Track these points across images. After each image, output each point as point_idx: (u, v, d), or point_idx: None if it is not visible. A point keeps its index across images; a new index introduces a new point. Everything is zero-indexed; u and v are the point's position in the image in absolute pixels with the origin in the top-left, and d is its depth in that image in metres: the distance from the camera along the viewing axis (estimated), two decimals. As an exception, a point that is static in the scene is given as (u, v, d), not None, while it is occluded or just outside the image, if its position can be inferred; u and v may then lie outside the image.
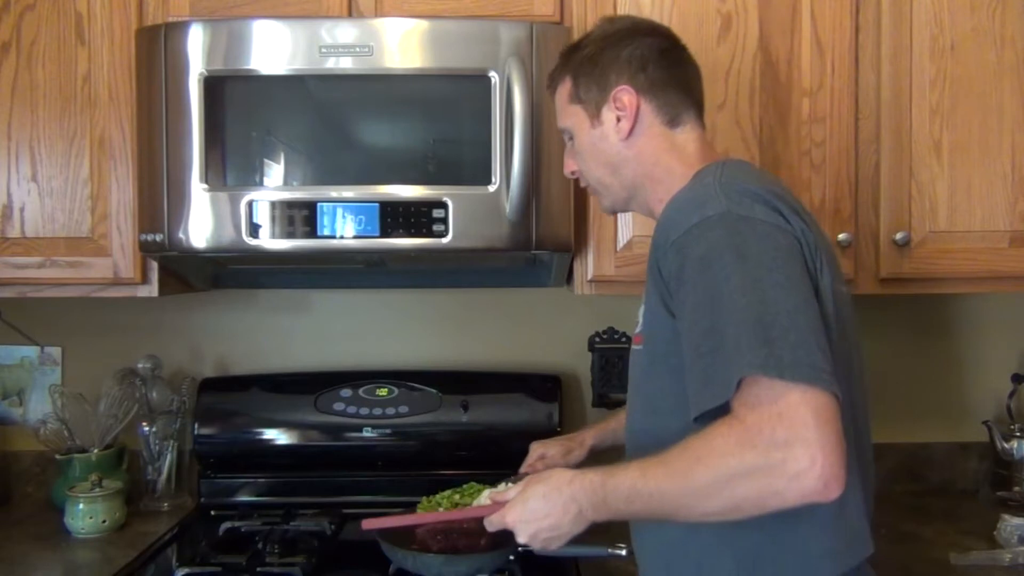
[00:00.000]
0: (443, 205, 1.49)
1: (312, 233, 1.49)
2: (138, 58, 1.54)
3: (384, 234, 1.49)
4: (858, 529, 1.06)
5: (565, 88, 1.22)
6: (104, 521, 1.70)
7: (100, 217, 1.61)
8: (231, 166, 1.51)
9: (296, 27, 1.49)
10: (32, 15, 1.60)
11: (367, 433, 1.85)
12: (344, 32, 1.49)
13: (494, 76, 1.48)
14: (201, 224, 1.50)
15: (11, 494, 1.94)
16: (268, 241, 1.50)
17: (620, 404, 1.76)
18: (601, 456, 1.46)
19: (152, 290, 1.65)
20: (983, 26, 1.61)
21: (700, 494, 0.94)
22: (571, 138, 1.24)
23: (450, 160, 1.54)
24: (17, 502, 1.93)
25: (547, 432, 1.69)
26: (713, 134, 1.59)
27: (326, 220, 1.49)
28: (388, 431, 1.85)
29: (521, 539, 1.10)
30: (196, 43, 1.48)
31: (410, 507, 1.47)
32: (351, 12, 1.60)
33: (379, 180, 1.50)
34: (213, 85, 1.49)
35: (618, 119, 1.17)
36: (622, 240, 1.61)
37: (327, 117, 1.56)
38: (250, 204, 1.49)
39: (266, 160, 1.52)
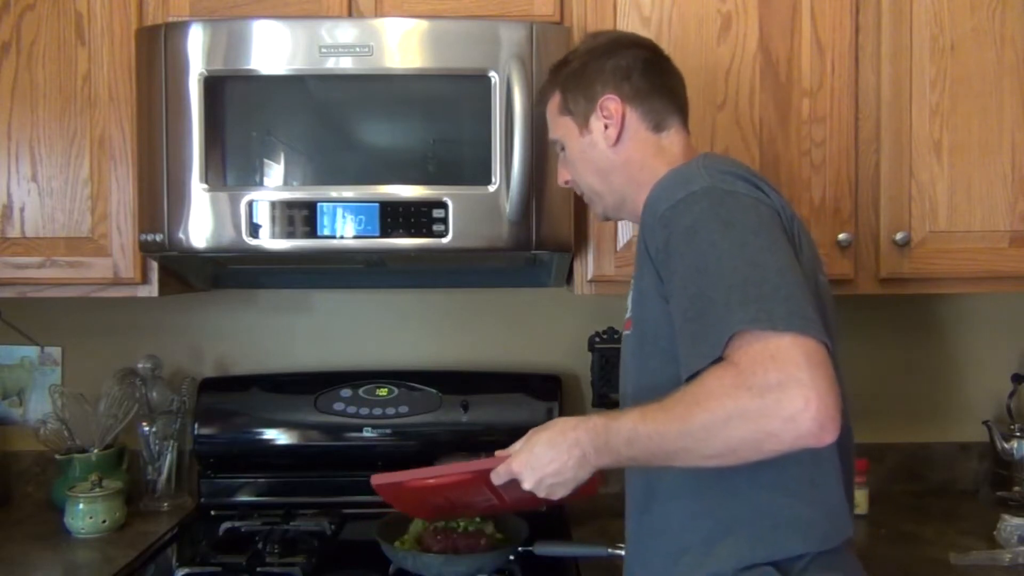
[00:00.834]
0: (443, 205, 1.49)
1: (312, 233, 1.49)
2: (138, 58, 1.54)
3: (384, 234, 1.49)
4: (835, 507, 1.08)
5: (555, 101, 1.27)
6: (104, 521, 1.70)
7: (100, 217, 1.61)
8: (231, 166, 1.51)
9: (296, 27, 1.49)
10: (32, 15, 1.60)
11: (367, 433, 1.85)
12: (344, 32, 1.49)
13: (494, 76, 1.48)
14: (201, 224, 1.50)
15: (11, 494, 1.94)
16: (268, 241, 1.50)
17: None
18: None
19: (152, 290, 1.65)
20: (983, 26, 1.61)
21: (697, 436, 0.95)
22: (563, 148, 1.29)
23: (450, 160, 1.54)
24: (17, 502, 1.93)
25: (547, 432, 1.69)
26: (713, 134, 1.60)
27: (326, 220, 1.49)
28: (388, 431, 1.85)
29: (527, 485, 1.11)
30: (196, 43, 1.48)
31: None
32: (351, 12, 1.60)
33: (379, 180, 1.51)
34: (213, 85, 1.49)
35: (606, 126, 1.21)
36: (622, 240, 1.61)
37: (327, 117, 1.55)
38: (250, 204, 1.49)
39: (266, 160, 1.52)
